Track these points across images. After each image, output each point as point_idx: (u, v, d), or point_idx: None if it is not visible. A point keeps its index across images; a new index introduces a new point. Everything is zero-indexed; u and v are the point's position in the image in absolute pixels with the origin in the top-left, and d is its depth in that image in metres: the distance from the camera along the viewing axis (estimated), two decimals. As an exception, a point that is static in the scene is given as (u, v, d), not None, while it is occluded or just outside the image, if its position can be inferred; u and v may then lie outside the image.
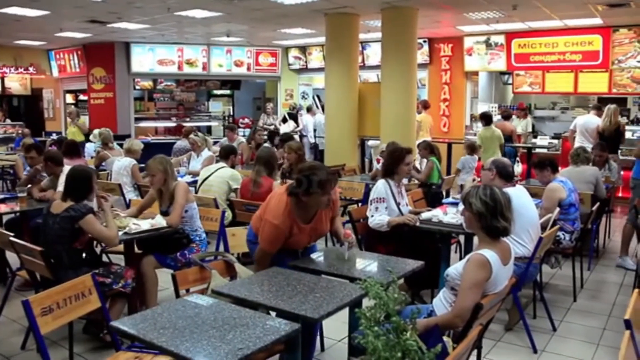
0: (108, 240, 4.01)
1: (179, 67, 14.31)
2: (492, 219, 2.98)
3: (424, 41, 12.46)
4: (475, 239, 3.22)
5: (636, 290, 2.83)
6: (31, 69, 15.81)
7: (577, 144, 9.34)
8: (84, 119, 12.99)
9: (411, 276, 3.50)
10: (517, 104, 12.48)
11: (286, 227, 3.53)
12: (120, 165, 7.28)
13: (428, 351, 2.11)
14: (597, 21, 9.89)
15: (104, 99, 14.05)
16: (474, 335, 2.50)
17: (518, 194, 4.28)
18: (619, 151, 9.46)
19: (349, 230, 3.87)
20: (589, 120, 9.43)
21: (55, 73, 15.73)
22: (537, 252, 4.17)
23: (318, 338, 3.94)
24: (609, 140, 8.98)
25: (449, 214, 4.71)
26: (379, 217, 4.62)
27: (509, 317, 4.51)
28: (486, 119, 10.13)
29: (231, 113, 16.59)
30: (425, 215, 4.73)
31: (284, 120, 13.49)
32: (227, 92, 16.75)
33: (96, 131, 10.37)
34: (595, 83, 10.82)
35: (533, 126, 12.01)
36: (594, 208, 5.55)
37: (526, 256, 4.21)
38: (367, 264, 3.55)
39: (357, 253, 3.86)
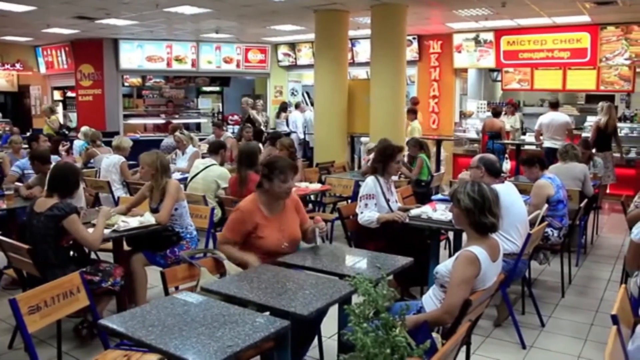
0: (88, 244, 3.97)
1: (168, 64, 14.25)
2: (480, 215, 2.99)
3: (414, 38, 12.47)
4: (464, 236, 3.23)
5: (623, 285, 2.85)
6: (18, 66, 15.68)
7: (546, 143, 9.43)
8: (57, 116, 12.98)
9: (401, 273, 3.50)
10: (507, 100, 12.53)
11: (248, 212, 3.66)
12: (109, 162, 7.25)
13: (417, 347, 2.12)
14: (585, 19, 9.95)
15: (92, 96, 13.96)
16: (462, 332, 2.51)
17: (506, 191, 4.30)
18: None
19: (318, 217, 3.90)
20: (555, 118, 9.53)
21: (43, 70, 15.61)
22: (525, 249, 4.20)
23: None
24: (607, 137, 9.09)
25: (438, 211, 4.72)
26: (368, 214, 4.63)
27: (498, 313, 4.53)
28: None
29: (220, 110, 16.53)
30: (414, 212, 4.74)
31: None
32: (217, 88, 16.70)
33: (83, 129, 10.31)
34: (583, 80, 10.89)
35: (522, 123, 12.06)
36: (582, 204, 5.59)
37: (515, 252, 4.23)
38: (356, 260, 3.55)
39: (346, 249, 3.87)
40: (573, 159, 6.42)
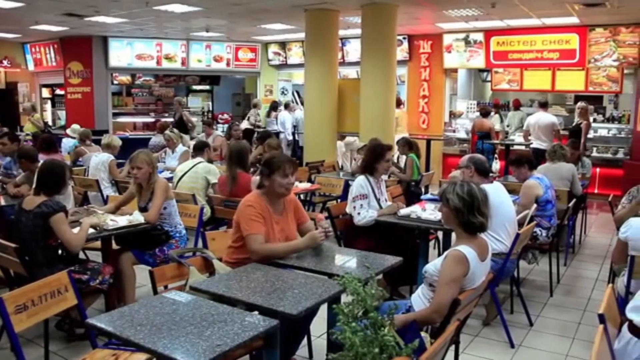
0: (70, 246, 3.86)
1: (158, 62, 14.18)
2: (469, 214, 3.00)
3: (404, 38, 12.49)
4: (454, 235, 3.24)
5: (610, 285, 2.88)
6: (5, 62, 15.50)
7: (534, 144, 9.48)
8: (39, 115, 12.90)
9: (390, 272, 3.51)
10: (494, 100, 12.59)
11: (259, 205, 3.60)
12: (98, 160, 7.20)
13: (405, 346, 2.12)
14: (574, 20, 10.01)
15: (81, 94, 13.85)
16: (451, 331, 2.52)
17: (495, 191, 4.31)
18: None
19: (321, 215, 3.89)
20: (541, 119, 9.58)
21: (31, 67, 15.46)
22: (514, 248, 4.22)
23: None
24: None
25: (427, 210, 4.73)
26: (369, 214, 4.63)
27: (487, 312, 4.55)
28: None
29: (210, 109, 16.47)
30: (403, 211, 4.75)
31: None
32: (207, 87, 16.64)
33: (74, 126, 10.24)
34: (572, 81, 10.95)
35: (521, 121, 12.01)
36: (571, 204, 5.63)
37: (503, 252, 4.25)
38: (346, 260, 3.55)
39: (335, 248, 3.86)
40: (561, 159, 6.46)
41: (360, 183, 4.79)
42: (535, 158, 7.03)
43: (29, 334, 3.94)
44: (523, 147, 10.00)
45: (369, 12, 9.44)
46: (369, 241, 4.49)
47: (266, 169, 3.67)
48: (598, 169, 10.02)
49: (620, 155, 10.36)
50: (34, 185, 4.09)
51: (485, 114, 10.91)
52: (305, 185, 6.92)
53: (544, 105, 9.87)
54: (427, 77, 12.68)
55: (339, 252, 3.86)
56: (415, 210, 4.76)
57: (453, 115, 12.93)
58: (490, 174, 4.84)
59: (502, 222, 4.28)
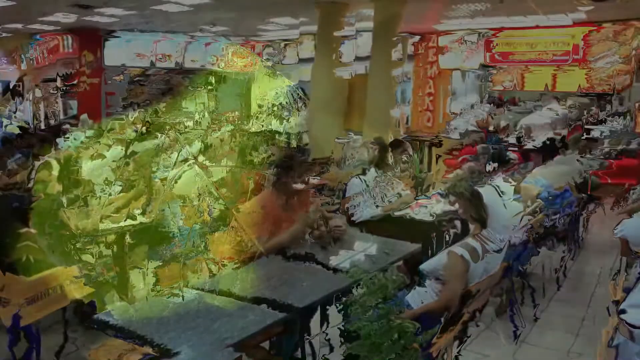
0: (83, 230, 3.98)
1: (153, 62, 14.23)
2: (479, 206, 3.22)
3: (412, 35, 12.40)
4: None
5: (611, 283, 2.91)
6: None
7: (529, 145, 9.39)
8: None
9: (410, 259, 3.54)
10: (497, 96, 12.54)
11: (261, 208, 3.69)
12: (91, 166, 7.04)
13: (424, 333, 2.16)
14: (580, 16, 9.88)
15: (90, 85, 13.76)
16: (462, 322, 2.55)
17: (489, 193, 4.34)
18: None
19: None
20: (535, 121, 9.45)
21: (25, 65, 15.32)
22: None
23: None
24: None
25: (421, 212, 4.77)
26: (365, 212, 4.73)
27: (502, 301, 4.54)
28: None
29: (214, 108, 16.27)
30: (398, 213, 4.82)
31: None
32: (213, 81, 16.44)
33: (82, 118, 10.20)
34: (572, 81, 10.87)
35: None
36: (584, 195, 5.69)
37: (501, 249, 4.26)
38: (360, 250, 3.50)
39: (356, 235, 3.93)
40: (580, 149, 6.48)
41: (355, 183, 4.90)
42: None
43: (47, 321, 3.93)
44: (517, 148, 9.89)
45: (381, 5, 9.33)
46: (389, 228, 4.53)
47: (284, 166, 3.74)
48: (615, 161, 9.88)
49: (634, 145, 10.23)
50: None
51: (499, 105, 10.87)
52: (301, 185, 6.83)
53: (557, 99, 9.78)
54: (432, 75, 12.57)
55: (359, 238, 3.84)
56: (408, 212, 4.82)
57: (454, 115, 12.76)
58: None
59: (500, 220, 4.29)
